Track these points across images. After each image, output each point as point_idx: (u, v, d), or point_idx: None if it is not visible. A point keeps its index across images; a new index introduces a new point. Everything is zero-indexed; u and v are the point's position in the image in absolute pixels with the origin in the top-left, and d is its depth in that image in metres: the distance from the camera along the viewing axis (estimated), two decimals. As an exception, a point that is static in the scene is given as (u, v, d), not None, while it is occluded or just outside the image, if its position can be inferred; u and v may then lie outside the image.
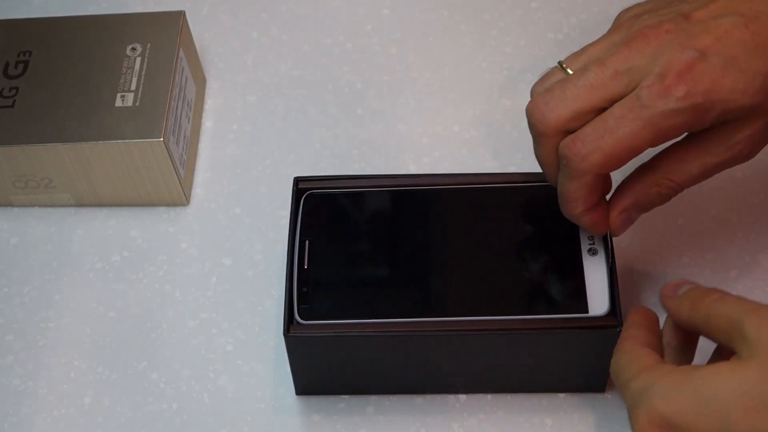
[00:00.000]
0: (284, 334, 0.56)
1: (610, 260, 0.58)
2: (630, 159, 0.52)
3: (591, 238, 0.58)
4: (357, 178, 0.62)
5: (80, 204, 0.70)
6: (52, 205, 0.71)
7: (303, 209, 0.60)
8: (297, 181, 0.62)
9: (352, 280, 0.59)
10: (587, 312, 0.56)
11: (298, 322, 0.57)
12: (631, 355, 0.50)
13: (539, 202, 0.59)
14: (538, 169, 0.57)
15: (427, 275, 0.58)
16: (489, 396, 0.61)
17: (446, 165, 0.70)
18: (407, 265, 0.59)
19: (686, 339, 0.52)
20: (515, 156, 0.70)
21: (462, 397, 0.61)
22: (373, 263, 0.59)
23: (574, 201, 0.54)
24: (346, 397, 0.62)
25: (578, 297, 0.57)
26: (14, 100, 0.68)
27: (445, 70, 0.76)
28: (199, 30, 0.78)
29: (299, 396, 0.62)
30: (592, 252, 0.58)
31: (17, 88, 0.68)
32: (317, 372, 0.60)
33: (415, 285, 0.58)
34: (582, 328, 0.56)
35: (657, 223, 0.67)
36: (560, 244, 0.59)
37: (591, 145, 0.51)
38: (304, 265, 0.58)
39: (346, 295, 0.58)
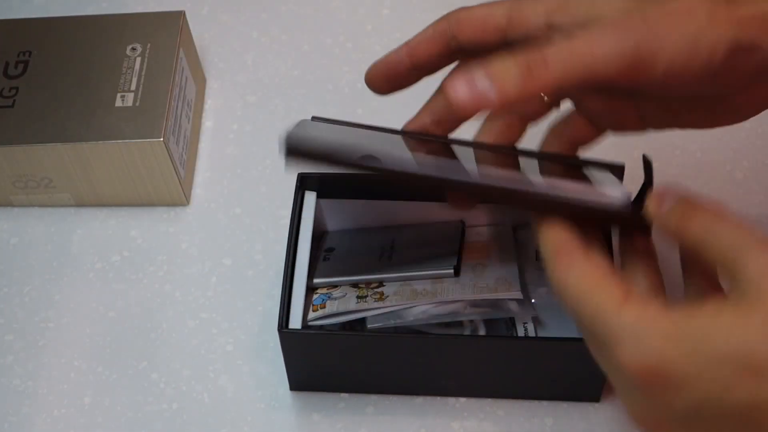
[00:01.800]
0: (279, 330, 0.57)
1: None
2: None
3: None
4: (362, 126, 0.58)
5: (80, 204, 0.70)
6: (52, 205, 0.71)
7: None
8: (300, 177, 0.62)
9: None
10: None
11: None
12: (595, 279, 0.44)
13: None
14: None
15: None
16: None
17: (446, 165, 0.70)
18: None
19: (655, 265, 0.48)
20: (515, 156, 0.70)
21: (462, 397, 0.61)
22: None
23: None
24: (346, 396, 0.62)
25: None
26: (14, 100, 0.68)
27: (445, 70, 0.76)
28: (199, 30, 0.78)
29: (299, 395, 0.62)
30: None
31: (17, 88, 0.68)
32: (311, 369, 0.60)
33: None
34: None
35: (657, 223, 0.67)
36: None
37: None
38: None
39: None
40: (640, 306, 0.43)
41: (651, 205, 0.47)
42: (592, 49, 0.45)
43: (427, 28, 0.53)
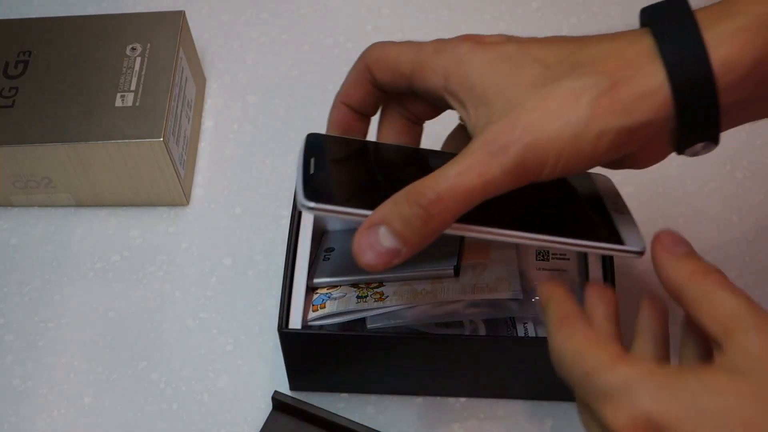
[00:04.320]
0: (279, 330, 0.57)
1: (610, 283, 0.58)
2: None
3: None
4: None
5: (80, 204, 0.70)
6: (52, 205, 0.71)
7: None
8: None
9: (354, 179, 0.58)
10: None
11: (304, 205, 0.54)
12: (588, 341, 0.45)
13: None
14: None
15: None
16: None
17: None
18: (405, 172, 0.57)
19: (664, 327, 0.48)
20: (515, 156, 0.70)
21: (462, 397, 0.61)
22: (374, 171, 0.58)
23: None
24: (346, 396, 0.62)
25: None
26: (14, 100, 0.68)
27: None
28: (199, 30, 0.78)
29: (299, 395, 0.62)
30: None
31: (17, 88, 0.68)
32: (311, 369, 0.60)
33: None
34: None
35: (657, 224, 0.67)
36: None
37: None
38: (309, 171, 0.57)
39: (348, 186, 0.57)
40: (636, 361, 0.43)
41: (663, 238, 0.47)
42: (482, 179, 0.46)
43: (350, 70, 0.54)
